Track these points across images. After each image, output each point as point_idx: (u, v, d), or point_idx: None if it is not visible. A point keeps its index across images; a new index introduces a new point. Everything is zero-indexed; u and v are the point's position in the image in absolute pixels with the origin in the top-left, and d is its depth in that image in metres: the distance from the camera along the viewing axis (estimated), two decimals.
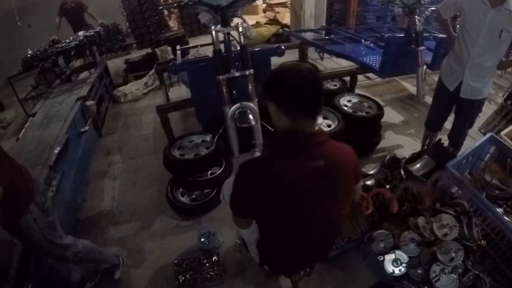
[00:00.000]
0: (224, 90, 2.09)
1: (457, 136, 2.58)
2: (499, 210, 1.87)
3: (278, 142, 1.13)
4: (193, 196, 2.57)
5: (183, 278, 1.93)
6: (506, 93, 3.26)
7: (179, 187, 2.60)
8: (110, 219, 2.51)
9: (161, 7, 5.79)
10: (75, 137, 2.87)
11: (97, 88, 3.82)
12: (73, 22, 5.20)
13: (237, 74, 2.10)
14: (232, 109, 2.10)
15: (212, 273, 1.95)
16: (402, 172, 2.32)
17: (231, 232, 2.22)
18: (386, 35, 3.01)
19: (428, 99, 3.55)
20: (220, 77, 2.07)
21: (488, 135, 2.30)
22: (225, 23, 2.10)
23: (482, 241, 1.80)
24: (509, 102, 3.20)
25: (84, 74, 4.17)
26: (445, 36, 3.18)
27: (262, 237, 1.40)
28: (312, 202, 1.14)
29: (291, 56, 4.59)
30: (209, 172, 2.59)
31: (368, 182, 2.52)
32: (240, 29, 2.04)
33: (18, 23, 5.81)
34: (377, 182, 2.40)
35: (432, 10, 2.83)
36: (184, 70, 2.31)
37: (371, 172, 2.69)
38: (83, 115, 3.20)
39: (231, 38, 2.20)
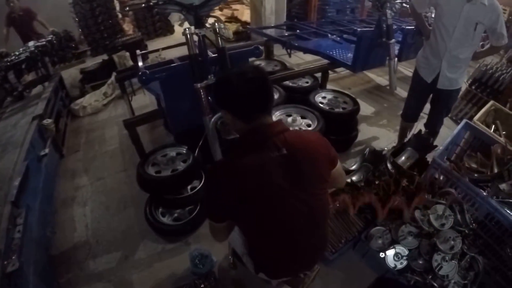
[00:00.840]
0: (203, 98, 1.93)
1: (434, 125, 2.65)
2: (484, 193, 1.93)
3: (239, 142, 1.16)
4: (175, 215, 2.37)
5: None
6: (470, 79, 3.42)
7: (158, 207, 2.39)
8: (88, 251, 2.24)
9: (127, 8, 5.35)
10: (35, 162, 2.52)
11: (53, 104, 3.43)
12: (22, 32, 4.80)
13: (207, 83, 1.93)
14: (213, 120, 1.95)
15: None
16: (390, 167, 2.32)
17: (222, 248, 2.03)
18: (358, 29, 3.00)
19: (399, 90, 3.66)
20: (199, 85, 1.91)
21: (463, 122, 2.42)
22: (199, 24, 1.92)
23: (474, 224, 1.89)
24: (473, 87, 3.36)
25: (38, 88, 3.73)
26: (411, 27, 3.29)
27: (249, 241, 1.33)
28: (283, 192, 1.10)
29: None
30: (189, 187, 2.39)
31: (354, 178, 2.51)
32: (217, 30, 1.88)
33: None
34: (365, 180, 2.37)
35: (400, 3, 2.89)
36: (157, 79, 2.09)
37: (353, 167, 2.69)
38: (41, 136, 2.83)
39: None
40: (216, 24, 1.89)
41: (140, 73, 2.02)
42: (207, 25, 1.94)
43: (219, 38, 1.90)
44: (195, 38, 1.92)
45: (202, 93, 1.92)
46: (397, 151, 2.49)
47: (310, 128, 2.54)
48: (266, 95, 1.11)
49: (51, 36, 4.25)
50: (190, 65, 1.92)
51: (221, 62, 1.96)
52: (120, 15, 6.25)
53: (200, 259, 1.94)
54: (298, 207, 1.13)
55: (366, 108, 3.71)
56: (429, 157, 2.38)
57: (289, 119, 2.63)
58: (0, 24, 4.62)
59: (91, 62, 5.11)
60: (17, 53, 3.72)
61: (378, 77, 4.47)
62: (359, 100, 3.71)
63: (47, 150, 2.71)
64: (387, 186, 2.11)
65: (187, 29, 1.86)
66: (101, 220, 2.50)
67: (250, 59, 2.53)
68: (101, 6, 5.73)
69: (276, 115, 2.65)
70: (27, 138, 2.53)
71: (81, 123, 4.02)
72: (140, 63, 3.17)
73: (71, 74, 4.63)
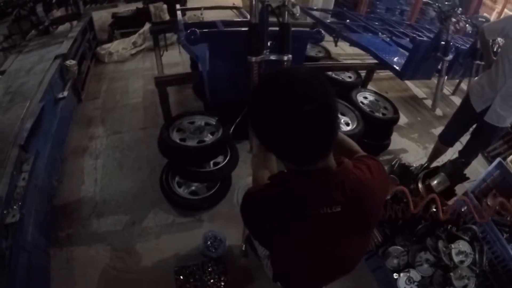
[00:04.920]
0: (255, 74, 1.77)
1: (469, 156, 2.54)
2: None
3: (286, 184, 0.86)
4: (192, 188, 2.27)
5: None
6: None
7: (175, 176, 2.27)
8: (93, 208, 2.14)
9: None
10: (51, 104, 2.36)
11: (79, 45, 3.25)
12: None
13: (272, 58, 1.78)
14: None
15: (219, 284, 1.72)
16: (420, 186, 2.22)
17: (236, 233, 1.95)
18: (417, 37, 2.83)
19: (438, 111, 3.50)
20: (253, 59, 1.74)
21: (497, 160, 2.34)
22: None
23: (487, 267, 1.90)
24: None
25: (65, 26, 3.53)
26: (465, 47, 3.11)
27: (274, 257, 1.22)
28: (328, 247, 0.95)
29: None
30: (212, 162, 2.27)
31: None
32: (286, 3, 1.68)
33: None
34: (392, 195, 2.27)
35: (465, 21, 2.72)
36: (208, 42, 1.89)
37: None
38: (62, 77, 2.66)
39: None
40: None
41: (189, 31, 1.83)
42: None
43: (286, 12, 1.70)
44: (259, 6, 1.72)
45: (254, 68, 1.76)
46: (430, 173, 2.37)
47: (348, 128, 2.42)
48: (331, 135, 0.76)
49: None
50: (248, 35, 1.74)
51: (282, 39, 1.78)
52: None
53: (213, 241, 1.86)
54: (341, 254, 1.00)
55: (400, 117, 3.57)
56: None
57: None
58: None
59: (124, 8, 4.88)
60: None
61: (415, 87, 4.28)
62: None
63: (65, 93, 2.55)
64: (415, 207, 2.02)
65: None
66: (112, 178, 2.39)
67: None
68: None
69: None
70: (46, 78, 2.34)
71: (104, 69, 3.85)
72: (180, 18, 2.99)
73: (101, 16, 4.42)
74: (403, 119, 3.55)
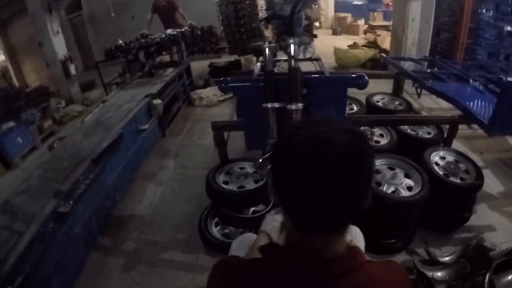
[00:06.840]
0: (271, 121, 1.79)
1: None
2: None
3: (276, 259, 0.72)
4: (226, 230, 2.28)
5: None
6: None
7: (215, 216, 2.34)
8: (139, 226, 2.44)
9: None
10: (133, 133, 2.89)
11: (172, 88, 3.87)
12: (164, 20, 5.42)
13: (277, 105, 1.80)
14: None
15: None
16: (486, 281, 1.66)
17: None
18: (505, 78, 2.26)
19: None
20: (269, 105, 1.78)
21: None
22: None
23: None
24: None
25: (168, 70, 4.29)
26: None
27: None
28: None
29: (385, 86, 4.03)
30: (251, 209, 2.25)
31: (439, 274, 1.91)
32: (292, 47, 1.71)
33: (112, 14, 6.62)
34: (448, 285, 1.78)
35: None
36: (231, 89, 2.02)
37: (446, 259, 2.05)
38: (148, 113, 3.24)
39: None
40: (292, 39, 1.72)
41: (221, 79, 2.00)
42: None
43: (292, 56, 1.72)
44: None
45: (270, 115, 1.79)
46: (508, 262, 1.79)
47: (410, 193, 2.06)
48: (344, 203, 0.64)
49: (186, 28, 4.73)
50: (264, 83, 1.83)
51: (290, 87, 1.78)
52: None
53: None
54: None
55: (493, 184, 2.85)
56: None
57: (389, 174, 2.19)
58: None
59: (226, 59, 5.55)
60: (152, 37, 4.29)
61: None
62: (487, 171, 2.97)
63: (146, 126, 3.05)
64: None
65: (267, 43, 1.76)
66: (164, 204, 2.68)
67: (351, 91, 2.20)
68: (245, 10, 6.08)
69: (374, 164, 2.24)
70: (133, 111, 2.90)
71: (193, 111, 4.42)
72: (256, 70, 3.23)
73: (203, 65, 5.13)
74: (497, 187, 2.84)
